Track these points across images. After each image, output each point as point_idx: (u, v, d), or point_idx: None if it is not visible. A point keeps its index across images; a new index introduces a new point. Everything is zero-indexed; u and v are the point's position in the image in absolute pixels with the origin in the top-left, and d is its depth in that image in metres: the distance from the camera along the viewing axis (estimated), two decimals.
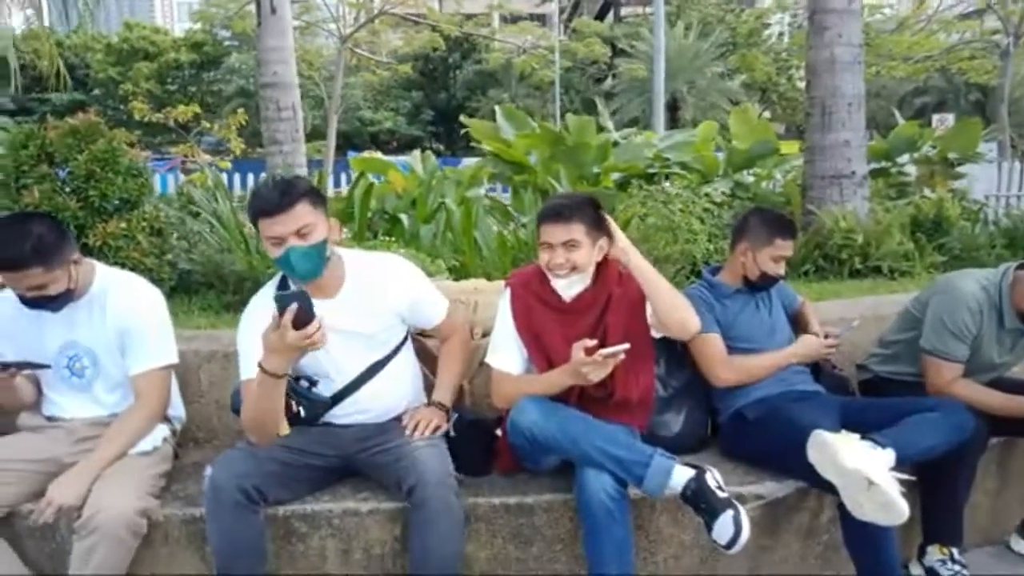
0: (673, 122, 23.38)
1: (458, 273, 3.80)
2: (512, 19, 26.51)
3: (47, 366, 2.25)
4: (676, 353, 2.61)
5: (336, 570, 2.26)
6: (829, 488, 2.16)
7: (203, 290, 3.83)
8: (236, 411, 2.26)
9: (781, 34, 29.43)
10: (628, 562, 2.08)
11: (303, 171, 5.75)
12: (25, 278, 2.07)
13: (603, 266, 2.32)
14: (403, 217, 4.94)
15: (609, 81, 29.39)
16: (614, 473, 2.07)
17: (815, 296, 3.75)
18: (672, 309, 2.22)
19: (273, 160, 5.76)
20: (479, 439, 2.38)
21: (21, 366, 2.19)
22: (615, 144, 7.96)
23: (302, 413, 2.21)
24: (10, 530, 2.19)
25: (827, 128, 4.85)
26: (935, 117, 13.99)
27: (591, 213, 2.24)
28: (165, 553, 2.22)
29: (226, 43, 29.98)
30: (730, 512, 1.99)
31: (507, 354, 2.32)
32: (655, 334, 2.34)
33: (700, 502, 2.03)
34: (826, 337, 2.62)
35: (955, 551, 2.39)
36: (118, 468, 2.16)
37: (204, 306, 3.62)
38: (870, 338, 2.90)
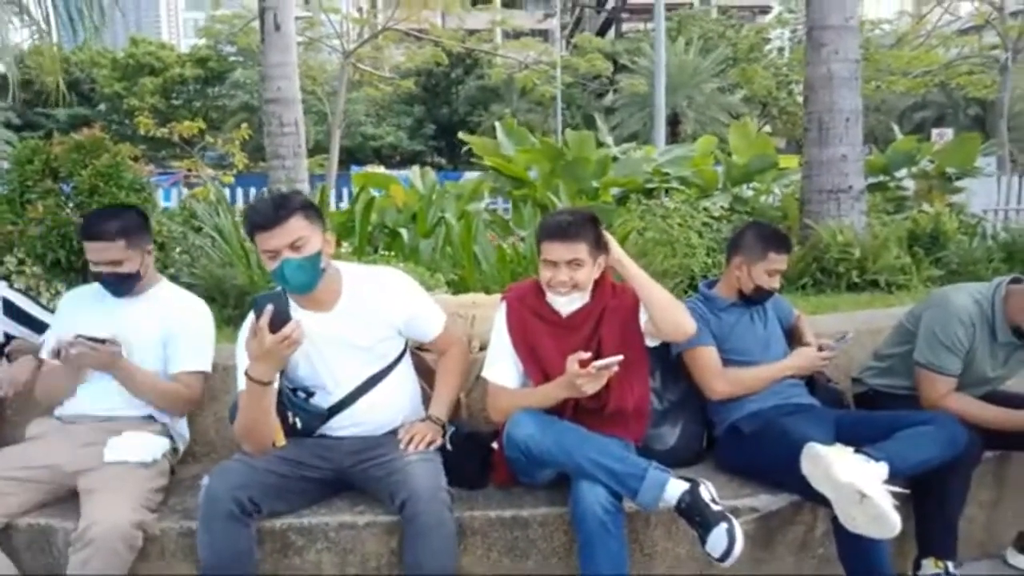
0: (674, 136, 23.48)
1: (457, 287, 3.82)
2: (514, 35, 26.75)
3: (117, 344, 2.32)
4: (671, 366, 2.63)
5: None
6: (823, 501, 2.17)
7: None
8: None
9: (781, 49, 29.59)
10: (623, 575, 2.08)
11: (305, 186, 5.79)
12: (107, 250, 2.31)
13: (598, 279, 2.33)
14: (403, 231, 4.97)
15: (610, 96, 29.55)
16: (609, 486, 2.09)
17: (812, 309, 3.77)
18: (667, 312, 2.23)
19: (275, 175, 5.80)
20: (475, 452, 2.39)
21: (107, 341, 2.29)
22: (614, 159, 8.00)
23: (298, 424, 2.24)
24: (7, 543, 2.20)
25: (824, 143, 4.89)
26: (934, 131, 14.03)
27: (594, 231, 2.26)
28: (161, 566, 2.22)
29: (231, 58, 30.24)
30: (724, 525, 2.00)
31: (503, 368, 2.34)
32: (650, 343, 2.36)
33: (694, 515, 2.04)
34: (820, 350, 2.64)
35: (950, 565, 2.39)
36: (114, 481, 2.17)
37: None
38: (865, 351, 2.92)
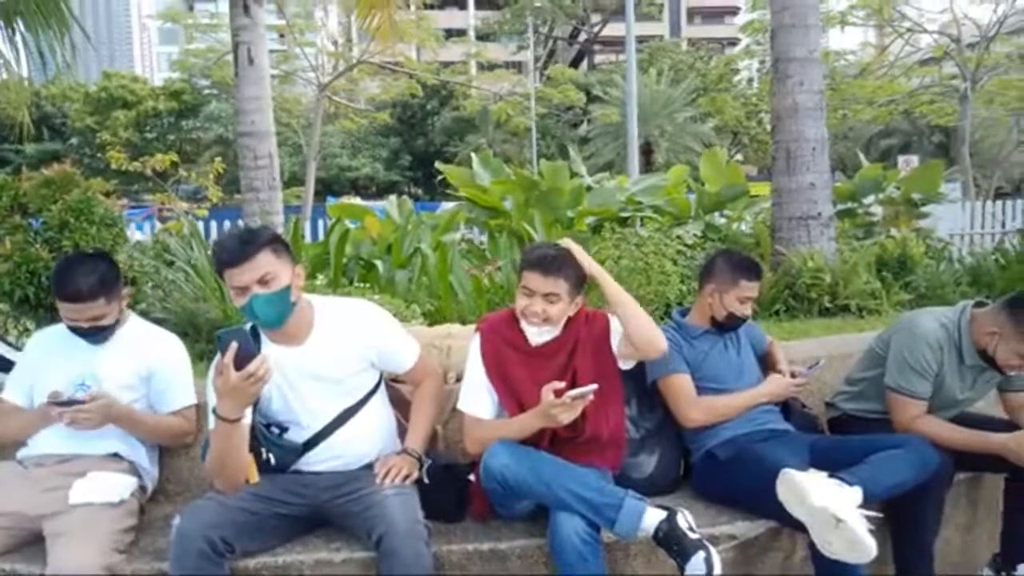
0: (647, 165, 23.83)
1: (434, 318, 3.81)
2: (488, 67, 27.07)
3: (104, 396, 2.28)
4: (647, 394, 2.64)
5: None
6: (800, 527, 2.18)
7: None
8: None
9: (751, 79, 30.31)
10: None
11: (280, 218, 5.78)
12: (89, 309, 2.26)
13: None
14: (378, 263, 4.97)
15: (584, 126, 29.98)
16: (586, 516, 2.08)
17: (785, 335, 3.82)
18: (641, 326, 2.25)
19: (250, 207, 5.78)
20: (452, 485, 2.37)
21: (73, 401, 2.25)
22: (588, 188, 8.08)
23: (272, 460, 2.21)
24: None
25: (793, 171, 4.99)
26: (900, 159, 14.41)
27: (576, 270, 2.27)
28: None
29: (205, 92, 30.25)
30: (702, 554, 2.00)
31: (478, 399, 2.34)
32: (624, 365, 2.37)
33: (672, 544, 2.04)
34: (793, 376, 2.67)
35: None
36: (80, 524, 2.11)
37: None
38: (838, 376, 2.95)
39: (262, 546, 2.18)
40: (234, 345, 1.88)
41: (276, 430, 2.23)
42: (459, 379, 2.56)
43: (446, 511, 2.33)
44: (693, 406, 2.53)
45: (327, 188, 28.17)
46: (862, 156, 10.91)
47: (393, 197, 8.26)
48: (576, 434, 2.27)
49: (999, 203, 10.59)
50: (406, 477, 2.22)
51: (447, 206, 10.21)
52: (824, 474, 2.19)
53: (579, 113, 29.36)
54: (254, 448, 2.18)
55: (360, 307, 2.39)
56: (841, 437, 2.68)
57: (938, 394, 2.56)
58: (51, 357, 2.38)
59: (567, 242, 2.34)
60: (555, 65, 32.00)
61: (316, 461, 2.25)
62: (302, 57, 19.24)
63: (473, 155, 8.85)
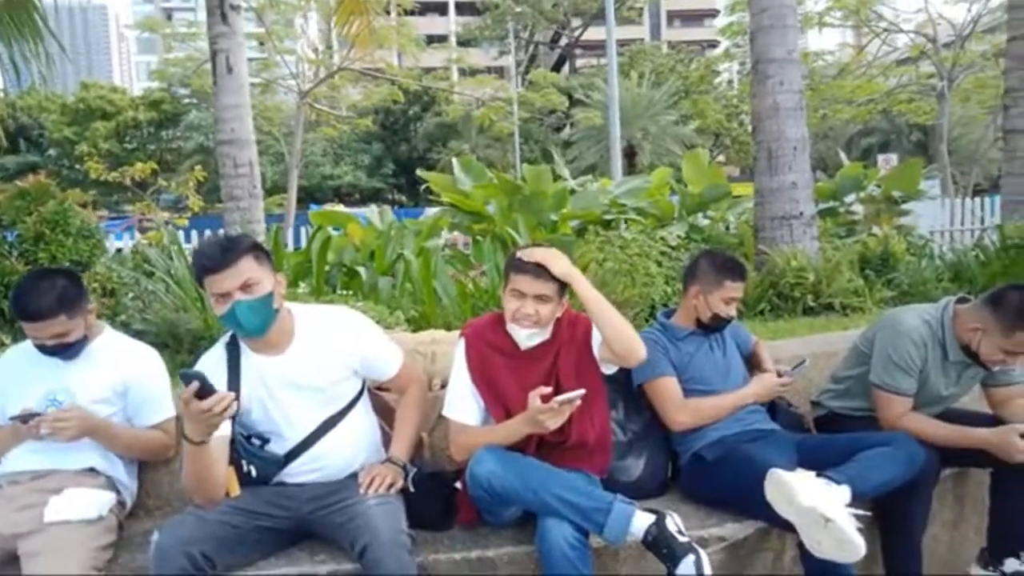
0: (631, 168, 23.93)
1: (418, 324, 3.78)
2: (470, 72, 27.06)
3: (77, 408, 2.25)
4: (634, 397, 2.62)
5: None
6: (788, 527, 2.17)
7: (157, 351, 3.74)
8: None
9: (731, 81, 30.55)
10: None
11: (261, 227, 5.73)
12: (49, 327, 2.21)
13: None
14: (361, 270, 4.92)
15: (567, 130, 30.08)
16: (574, 522, 2.06)
17: (770, 335, 3.82)
18: (618, 333, 2.20)
19: (231, 216, 5.73)
20: (439, 492, 2.34)
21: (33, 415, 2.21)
22: (572, 192, 8.08)
23: (253, 473, 2.17)
24: None
25: (774, 171, 5.01)
26: (880, 157, 14.52)
27: None
28: None
29: (185, 101, 30.07)
30: (691, 557, 1.98)
31: (463, 405, 2.31)
32: (606, 370, 2.35)
33: (661, 547, 2.02)
34: (779, 376, 2.66)
35: None
36: (56, 542, 2.06)
37: None
38: (824, 374, 2.95)
39: (244, 560, 2.14)
40: (195, 384, 1.86)
41: (257, 442, 2.19)
42: (444, 385, 2.53)
43: (433, 519, 2.30)
44: (680, 409, 2.52)
45: (310, 196, 28.04)
46: (843, 155, 10.99)
47: (374, 206, 8.21)
48: (562, 439, 2.25)
49: (978, 199, 10.69)
50: (390, 486, 2.19)
51: (431, 212, 10.18)
52: (812, 473, 2.19)
53: (562, 117, 29.46)
54: (235, 461, 2.15)
55: (342, 314, 2.36)
56: (828, 436, 2.68)
57: (923, 390, 2.56)
58: (22, 374, 2.33)
59: (541, 251, 2.26)
60: (537, 70, 32.06)
61: (299, 472, 2.22)
62: (282, 65, 19.16)
63: (455, 160, 8.82)
